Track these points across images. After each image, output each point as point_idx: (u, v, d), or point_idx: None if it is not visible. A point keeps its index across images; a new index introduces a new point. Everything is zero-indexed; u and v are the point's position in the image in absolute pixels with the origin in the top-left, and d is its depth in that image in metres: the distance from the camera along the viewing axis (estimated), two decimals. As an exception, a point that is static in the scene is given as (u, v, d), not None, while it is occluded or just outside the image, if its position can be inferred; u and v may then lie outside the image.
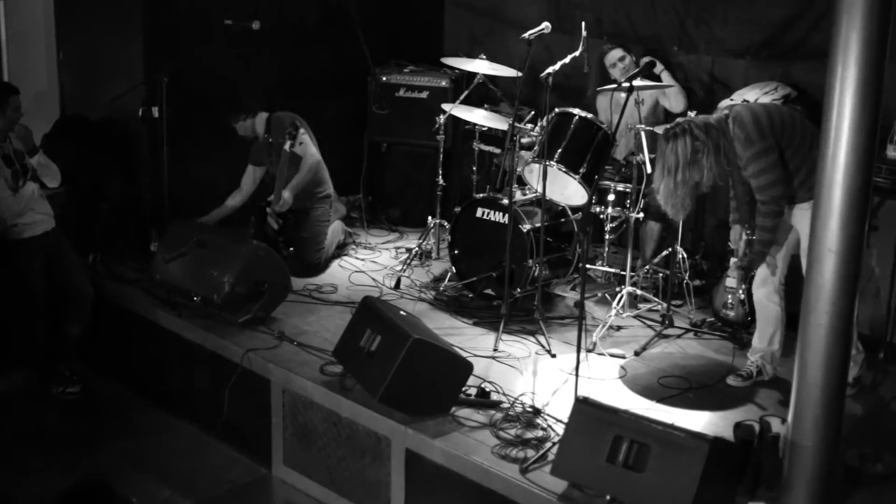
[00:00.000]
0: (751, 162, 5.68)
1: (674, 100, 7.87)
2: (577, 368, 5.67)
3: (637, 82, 6.62)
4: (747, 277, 6.37)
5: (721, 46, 8.08)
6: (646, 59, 7.24)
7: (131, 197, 8.31)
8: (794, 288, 5.97)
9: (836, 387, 4.65)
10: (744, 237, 6.13)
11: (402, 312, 6.14)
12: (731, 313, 6.78)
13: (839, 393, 4.68)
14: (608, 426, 4.86)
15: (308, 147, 7.99)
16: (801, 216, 5.83)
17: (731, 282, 6.69)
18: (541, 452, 5.33)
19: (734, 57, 7.99)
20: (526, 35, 6.65)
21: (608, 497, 4.87)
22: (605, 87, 7.57)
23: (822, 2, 7.31)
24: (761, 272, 6.14)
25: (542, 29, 6.72)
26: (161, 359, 7.33)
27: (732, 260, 6.35)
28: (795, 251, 6.06)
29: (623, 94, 6.29)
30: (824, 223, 4.47)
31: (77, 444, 6.76)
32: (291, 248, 7.89)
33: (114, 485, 3.92)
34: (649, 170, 7.04)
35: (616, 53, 7.95)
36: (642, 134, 7.13)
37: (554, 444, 5.35)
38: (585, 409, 5.02)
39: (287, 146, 7.63)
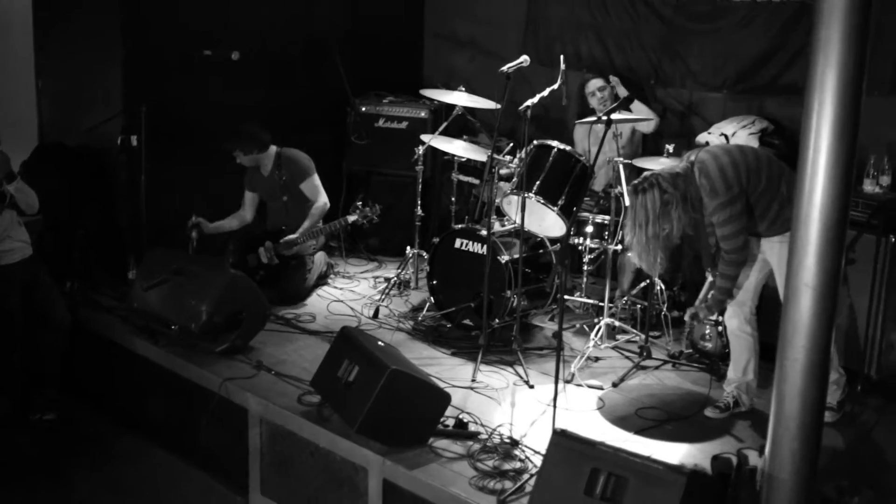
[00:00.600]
0: (716, 212, 5.74)
1: (645, 125, 7.96)
2: (555, 400, 5.67)
3: (615, 115, 6.65)
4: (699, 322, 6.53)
5: (695, 80, 8.16)
6: (624, 94, 7.30)
7: (109, 225, 8.29)
8: (772, 316, 6.04)
9: (813, 420, 4.64)
10: (708, 280, 6.19)
11: (379, 343, 6.13)
12: (709, 345, 6.83)
13: (816, 426, 4.68)
14: (586, 458, 4.84)
15: (321, 189, 8.19)
16: (773, 248, 5.91)
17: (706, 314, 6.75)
18: (518, 484, 5.31)
19: (710, 91, 8.05)
20: (504, 68, 6.68)
21: (586, 530, 4.87)
22: (584, 120, 7.61)
23: (797, 39, 7.41)
24: (732, 304, 6.18)
25: (521, 62, 6.76)
26: (138, 387, 7.29)
27: (689, 310, 6.42)
28: (767, 282, 6.14)
29: (601, 126, 6.34)
30: (801, 258, 4.48)
31: (53, 471, 6.73)
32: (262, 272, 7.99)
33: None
34: (628, 202, 7.08)
35: (596, 83, 8.04)
36: (620, 166, 7.17)
37: (532, 475, 5.35)
38: (563, 441, 5.00)
39: (303, 187, 7.98)
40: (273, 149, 8.16)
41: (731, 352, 6.33)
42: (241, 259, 7.99)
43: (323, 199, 8.23)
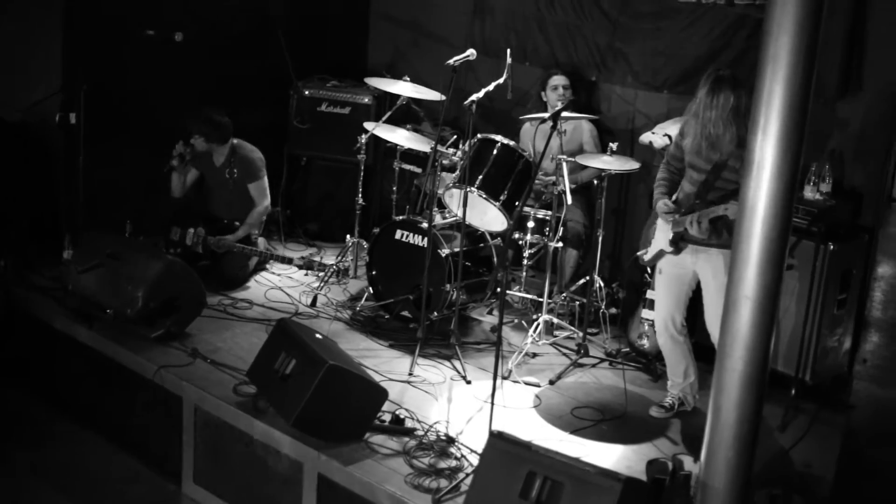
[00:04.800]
0: None
1: (590, 145, 7.98)
2: (492, 398, 5.67)
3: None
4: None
5: (637, 79, 8.16)
6: (572, 97, 7.33)
7: (46, 203, 8.17)
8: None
9: (749, 431, 4.66)
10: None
11: (317, 335, 6.08)
12: (646, 344, 6.87)
13: (751, 437, 4.70)
14: (522, 462, 4.83)
15: (266, 192, 8.23)
16: (709, 259, 5.97)
17: (646, 313, 6.79)
18: (454, 483, 5.31)
19: (651, 90, 8.07)
20: (451, 61, 6.65)
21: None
22: (530, 116, 7.61)
23: (740, 41, 7.43)
24: (659, 319, 6.27)
25: (468, 56, 6.74)
26: (73, 371, 7.18)
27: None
28: (689, 294, 6.22)
29: (548, 124, 6.34)
30: (741, 270, 4.49)
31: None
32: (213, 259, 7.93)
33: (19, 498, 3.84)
34: (569, 199, 7.10)
35: (560, 80, 7.98)
36: (563, 163, 7.16)
37: (467, 475, 5.34)
38: (499, 443, 4.99)
39: (251, 187, 8.06)
40: (230, 142, 8.09)
41: (667, 358, 6.38)
42: (182, 241, 7.92)
43: (266, 203, 8.22)
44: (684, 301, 6.21)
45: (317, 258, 8.04)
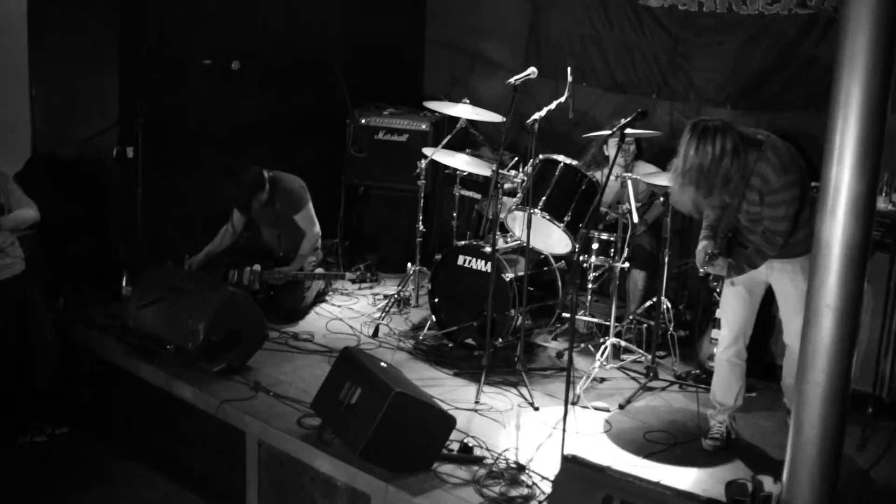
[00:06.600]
0: (782, 190, 5.45)
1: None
2: (564, 423, 5.50)
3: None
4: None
5: (699, 95, 8.03)
6: (638, 109, 7.15)
7: (104, 239, 8.14)
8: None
9: (833, 447, 4.53)
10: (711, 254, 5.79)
11: (382, 363, 5.97)
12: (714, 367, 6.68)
13: (836, 453, 4.57)
14: (597, 486, 4.69)
15: (314, 219, 8.10)
16: (785, 271, 5.76)
17: (715, 333, 6.61)
18: (527, 511, 5.18)
19: (714, 106, 7.92)
20: (512, 80, 6.55)
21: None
22: (594, 134, 7.49)
23: (803, 54, 7.29)
24: (730, 334, 6.04)
25: (529, 74, 6.65)
26: (133, 408, 7.13)
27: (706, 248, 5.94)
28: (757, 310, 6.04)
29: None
30: (822, 279, 4.36)
31: (43, 494, 6.57)
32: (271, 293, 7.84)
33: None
34: (635, 219, 6.96)
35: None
36: (629, 182, 7.02)
37: (540, 502, 5.21)
38: (573, 467, 4.86)
39: (297, 218, 7.92)
40: (266, 178, 7.98)
41: (723, 381, 6.12)
42: (240, 278, 7.86)
43: (316, 230, 8.11)
44: (755, 317, 6.02)
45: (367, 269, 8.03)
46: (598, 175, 7.03)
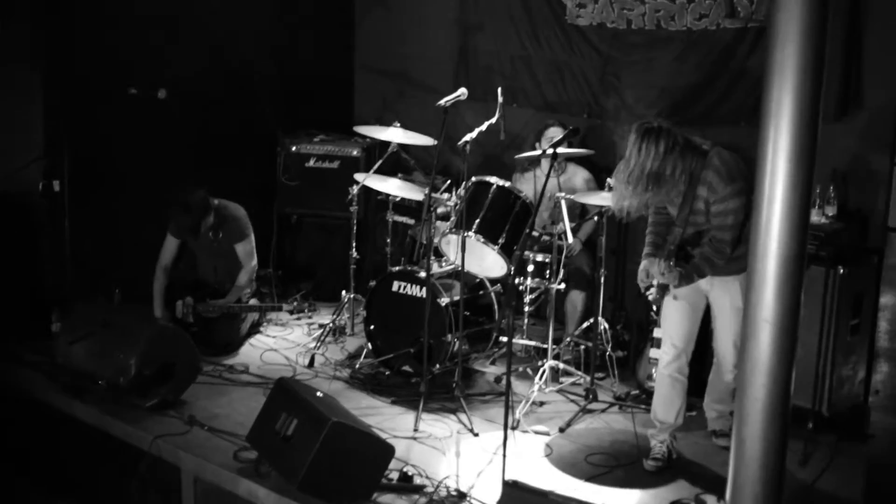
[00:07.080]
0: (728, 198, 5.50)
1: (582, 184, 7.81)
2: (504, 448, 5.43)
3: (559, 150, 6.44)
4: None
5: (631, 112, 8.02)
6: (570, 127, 7.12)
7: (31, 275, 7.95)
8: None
9: (776, 462, 4.48)
10: (662, 265, 5.76)
11: (318, 393, 5.86)
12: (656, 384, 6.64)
13: (779, 468, 4.52)
14: (540, 511, 4.65)
15: (254, 253, 8.01)
16: (726, 288, 5.79)
17: (654, 352, 6.58)
18: (468, 539, 5.10)
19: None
20: (442, 102, 6.48)
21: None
22: (524, 155, 7.45)
23: (734, 67, 7.32)
24: (673, 349, 6.01)
25: (459, 95, 6.57)
26: (63, 447, 6.94)
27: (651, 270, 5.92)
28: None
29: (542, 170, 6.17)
30: (759, 294, 4.31)
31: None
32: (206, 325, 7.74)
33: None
34: (570, 238, 6.92)
35: (557, 131, 7.70)
36: (563, 202, 6.98)
37: (482, 530, 5.13)
38: (514, 493, 4.82)
39: (238, 247, 7.84)
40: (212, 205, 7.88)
41: (663, 397, 6.09)
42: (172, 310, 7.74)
43: (253, 263, 7.99)
44: (696, 332, 6.01)
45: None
46: (531, 195, 7.00)
